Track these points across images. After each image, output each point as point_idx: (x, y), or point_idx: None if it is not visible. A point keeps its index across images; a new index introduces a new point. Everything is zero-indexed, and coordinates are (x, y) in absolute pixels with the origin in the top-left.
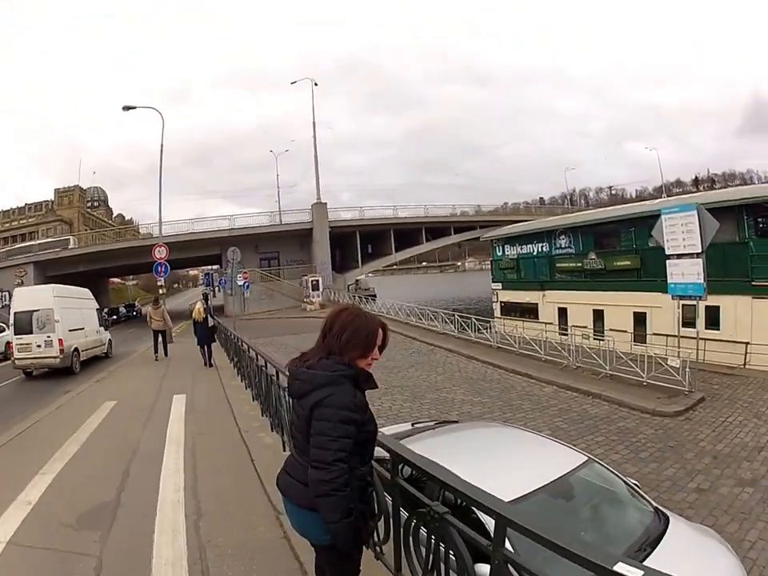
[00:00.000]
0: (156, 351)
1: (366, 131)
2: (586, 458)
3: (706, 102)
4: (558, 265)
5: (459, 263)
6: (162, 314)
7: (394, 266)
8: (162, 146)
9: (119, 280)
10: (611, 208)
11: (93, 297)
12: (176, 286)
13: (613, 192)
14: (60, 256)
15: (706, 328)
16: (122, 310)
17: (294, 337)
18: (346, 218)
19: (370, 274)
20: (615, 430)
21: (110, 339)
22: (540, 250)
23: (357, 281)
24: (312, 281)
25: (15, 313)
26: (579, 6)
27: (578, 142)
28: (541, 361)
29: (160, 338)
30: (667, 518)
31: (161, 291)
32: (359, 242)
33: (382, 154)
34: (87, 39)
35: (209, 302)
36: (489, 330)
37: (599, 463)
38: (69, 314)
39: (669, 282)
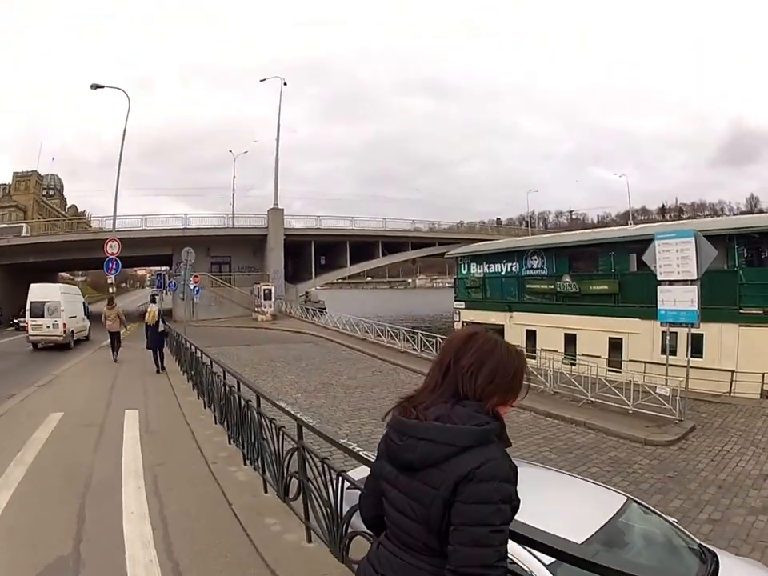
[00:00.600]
0: (114, 352)
1: (323, 139)
2: (626, 498)
3: (677, 132)
4: (528, 286)
5: (410, 280)
6: (116, 314)
7: (342, 280)
8: (125, 130)
9: (69, 275)
10: (588, 231)
11: (81, 293)
12: (123, 285)
13: (573, 216)
14: (12, 243)
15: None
16: None
17: (246, 348)
18: (299, 226)
19: (318, 287)
20: (608, 460)
21: (89, 326)
22: (509, 269)
23: (307, 293)
24: (264, 290)
25: (31, 302)
26: (549, 25)
27: (540, 164)
28: None
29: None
30: (714, 555)
31: (111, 290)
32: (314, 253)
33: (337, 164)
34: (49, 20)
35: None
36: None
37: (637, 502)
38: (69, 305)
39: (659, 308)
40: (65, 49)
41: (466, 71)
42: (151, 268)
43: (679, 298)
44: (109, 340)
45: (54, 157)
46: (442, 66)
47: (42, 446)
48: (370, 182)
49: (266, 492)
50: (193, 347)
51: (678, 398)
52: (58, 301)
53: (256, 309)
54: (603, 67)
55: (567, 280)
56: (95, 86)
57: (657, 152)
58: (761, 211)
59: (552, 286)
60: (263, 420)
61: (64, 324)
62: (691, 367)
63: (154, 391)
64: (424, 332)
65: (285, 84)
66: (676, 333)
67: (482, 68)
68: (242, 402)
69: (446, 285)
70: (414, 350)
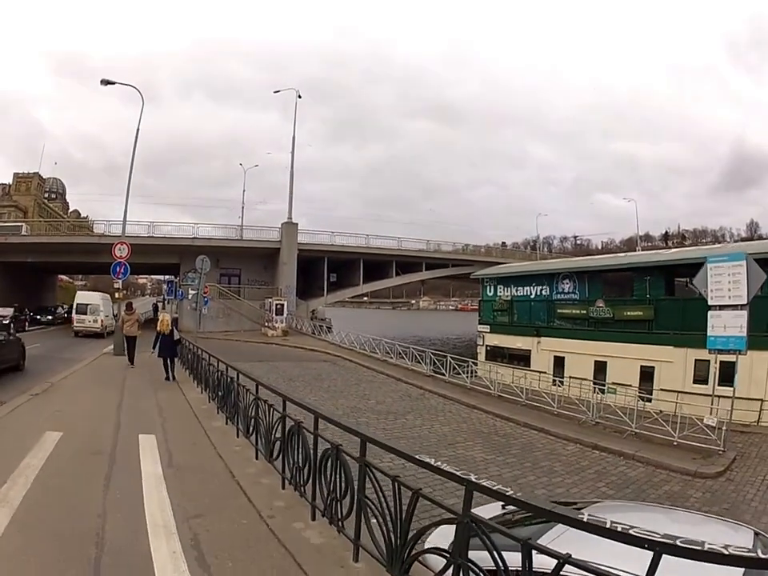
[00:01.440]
0: (130, 357)
1: (329, 159)
2: (754, 531)
3: (679, 159)
4: (558, 310)
5: (413, 301)
6: (135, 319)
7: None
8: (138, 129)
9: (68, 278)
10: (622, 255)
11: (111, 299)
12: (124, 292)
13: (578, 242)
14: (9, 241)
15: (718, 385)
16: (60, 310)
17: (261, 365)
18: (312, 241)
19: (324, 305)
20: (664, 494)
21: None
22: (539, 293)
23: (313, 310)
24: (277, 304)
25: (77, 304)
26: (557, 54)
27: (546, 189)
28: (553, 414)
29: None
30: None
31: (117, 295)
32: (326, 270)
33: (341, 185)
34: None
35: (158, 313)
36: (472, 375)
37: (762, 534)
38: (104, 306)
39: (709, 334)
40: (71, 53)
41: (473, 96)
42: (153, 276)
43: (729, 324)
44: (112, 346)
45: (57, 162)
46: (449, 91)
47: (35, 478)
48: (374, 204)
49: (356, 561)
50: (222, 365)
51: (723, 428)
52: (97, 304)
53: (266, 323)
54: (609, 92)
55: (600, 305)
56: (106, 82)
57: (660, 178)
58: (760, 237)
59: (584, 311)
60: (369, 471)
61: (102, 320)
62: (721, 396)
63: (171, 411)
64: (453, 356)
65: (299, 96)
66: (708, 361)
67: (488, 94)
68: (315, 441)
69: (449, 307)
70: (441, 374)
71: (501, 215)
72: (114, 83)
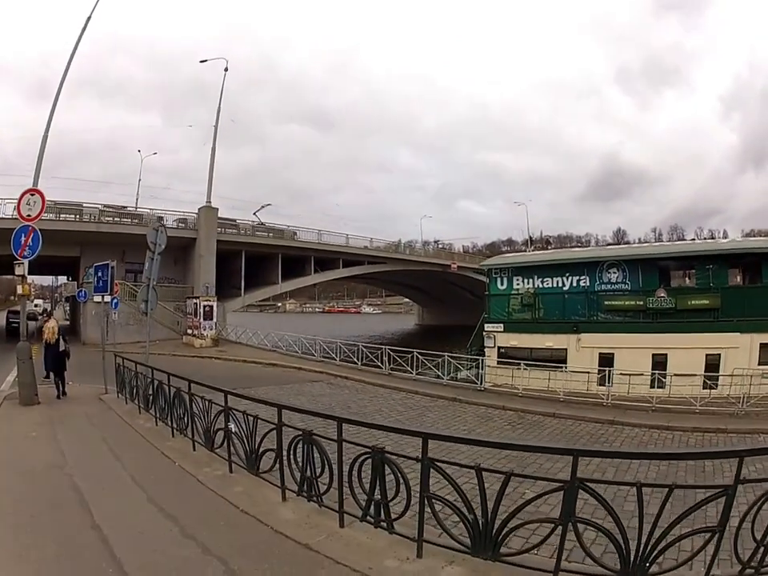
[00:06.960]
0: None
1: (202, 163)
2: None
3: (546, 171)
4: (606, 303)
5: (279, 304)
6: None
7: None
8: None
9: None
10: (679, 243)
11: None
12: (13, 298)
13: (440, 246)
14: None
15: None
16: None
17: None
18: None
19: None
20: None
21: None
22: (575, 284)
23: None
24: (206, 306)
25: None
26: (433, 65)
27: (409, 197)
28: (695, 413)
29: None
30: None
31: (21, 288)
32: (243, 266)
33: (213, 189)
34: None
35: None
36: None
37: None
38: None
39: None
40: None
41: (349, 103)
42: (33, 278)
43: None
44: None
45: None
46: (326, 97)
47: None
48: (245, 208)
49: (231, 472)
50: None
51: None
52: None
53: (190, 331)
54: (482, 104)
55: (662, 295)
56: None
57: (524, 188)
58: (627, 243)
59: (641, 302)
60: (232, 413)
61: None
62: None
63: None
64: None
65: (226, 70)
66: None
67: (363, 101)
68: None
69: (316, 310)
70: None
71: (366, 220)
72: None
